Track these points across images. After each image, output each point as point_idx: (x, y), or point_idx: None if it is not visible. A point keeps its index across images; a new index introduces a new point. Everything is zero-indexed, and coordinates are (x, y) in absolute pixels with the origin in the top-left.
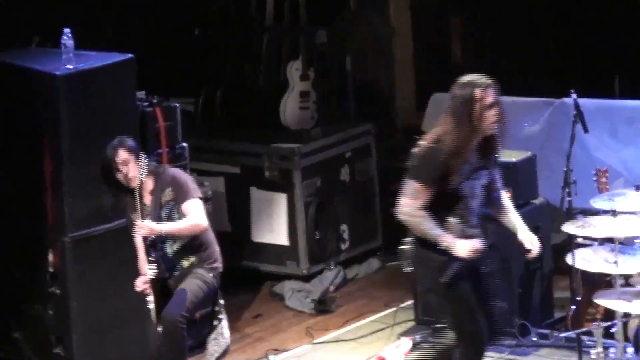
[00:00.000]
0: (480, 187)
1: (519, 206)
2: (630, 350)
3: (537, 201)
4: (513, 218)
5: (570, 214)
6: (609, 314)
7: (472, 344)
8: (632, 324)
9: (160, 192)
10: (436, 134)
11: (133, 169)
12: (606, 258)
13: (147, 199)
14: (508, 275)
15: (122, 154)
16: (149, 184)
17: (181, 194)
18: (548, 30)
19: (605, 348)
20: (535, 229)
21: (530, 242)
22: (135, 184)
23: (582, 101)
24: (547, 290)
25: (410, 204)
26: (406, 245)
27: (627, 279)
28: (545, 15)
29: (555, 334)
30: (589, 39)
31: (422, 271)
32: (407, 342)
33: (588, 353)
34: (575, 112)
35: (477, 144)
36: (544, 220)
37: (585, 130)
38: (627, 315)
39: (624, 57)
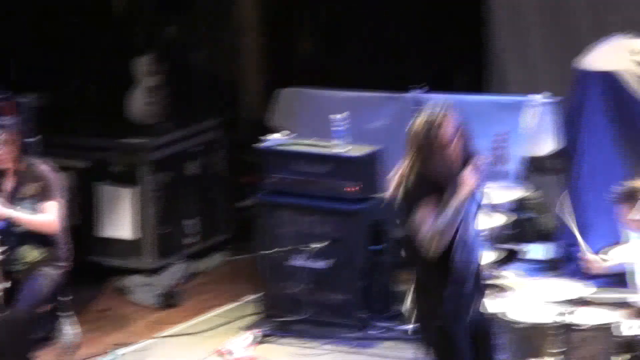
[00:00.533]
0: None
1: (363, 200)
2: None
3: (381, 195)
4: None
5: None
6: None
7: None
8: None
9: (25, 183)
10: None
11: (8, 150)
12: None
13: (8, 185)
14: (351, 268)
15: (4, 135)
16: (16, 171)
17: (46, 193)
18: (392, 26)
19: None
20: (377, 223)
21: None
22: (3, 165)
23: (426, 96)
24: (390, 283)
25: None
26: None
27: None
28: (389, 13)
29: (398, 327)
30: (424, 35)
31: None
32: (252, 336)
33: None
34: (418, 107)
35: None
36: (388, 214)
37: None
38: None
39: (465, 53)
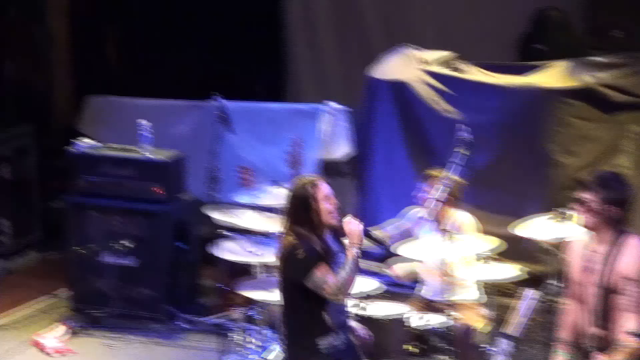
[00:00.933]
0: None
1: (168, 201)
2: (269, 333)
3: (184, 197)
4: None
5: (217, 208)
6: (251, 301)
7: None
8: (271, 310)
9: None
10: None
11: None
12: (248, 249)
13: None
14: (157, 265)
15: None
16: None
17: None
18: (196, 37)
19: (246, 331)
20: (182, 222)
21: None
22: None
23: (227, 104)
24: (194, 279)
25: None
26: None
27: (267, 268)
28: (194, 25)
29: (201, 319)
30: (233, 48)
31: None
32: (64, 328)
33: (231, 337)
34: (220, 114)
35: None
36: (191, 214)
37: (230, 130)
38: (266, 302)
39: (264, 64)
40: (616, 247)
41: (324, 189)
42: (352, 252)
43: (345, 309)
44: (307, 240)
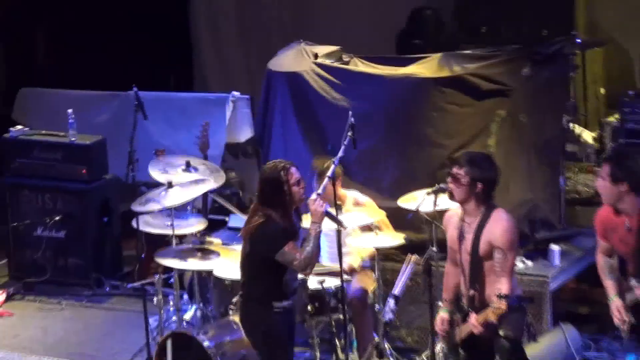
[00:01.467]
0: None
1: (92, 180)
2: (185, 297)
3: (107, 177)
4: None
5: (135, 187)
6: (168, 268)
7: None
8: (187, 276)
9: None
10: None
11: None
12: (164, 222)
13: None
14: (84, 238)
15: None
16: None
17: None
18: (115, 34)
19: (165, 295)
20: (106, 199)
21: None
22: None
23: (143, 94)
24: (118, 249)
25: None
26: None
27: (182, 239)
28: (113, 23)
29: (125, 285)
30: (147, 43)
31: None
32: (2, 294)
33: (151, 300)
34: (136, 102)
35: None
36: (114, 192)
37: (145, 117)
38: (182, 268)
39: (176, 58)
40: (484, 219)
41: (295, 174)
42: (316, 228)
43: (298, 277)
44: (277, 219)
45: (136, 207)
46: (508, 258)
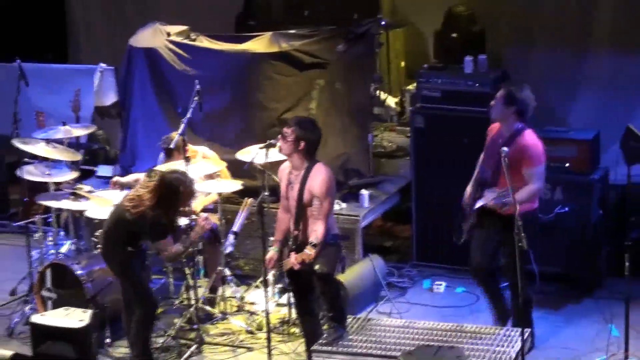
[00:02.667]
0: None
1: None
2: (62, 233)
3: None
4: None
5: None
6: (47, 209)
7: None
8: (63, 216)
9: None
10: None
11: None
12: (44, 171)
13: None
14: None
15: None
16: None
17: None
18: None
19: (45, 232)
20: None
21: None
22: None
23: (25, 65)
24: (5, 194)
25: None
26: None
27: (58, 185)
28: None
29: (11, 224)
30: (30, 21)
31: None
32: None
33: (33, 236)
34: (19, 72)
35: None
36: (1, 146)
37: (27, 84)
38: (59, 209)
39: (53, 32)
40: (307, 172)
41: (192, 189)
42: (195, 237)
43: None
44: (162, 217)
45: (16, 142)
46: (324, 205)
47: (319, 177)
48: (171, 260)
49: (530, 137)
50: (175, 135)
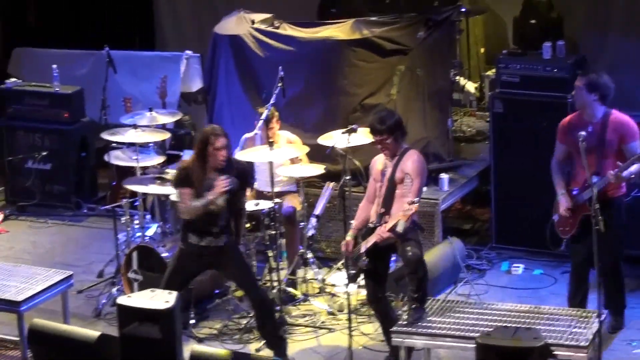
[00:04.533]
0: None
1: (73, 122)
2: (148, 217)
3: (85, 119)
4: None
5: (107, 127)
6: (134, 193)
7: None
8: (149, 200)
9: None
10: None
11: None
12: (131, 156)
13: None
14: (65, 168)
15: None
16: None
17: None
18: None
19: (131, 216)
20: (84, 138)
21: None
22: None
23: (113, 52)
24: (94, 178)
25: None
26: None
27: (145, 170)
28: None
29: (99, 207)
30: (116, 9)
31: None
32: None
33: (120, 219)
34: (108, 59)
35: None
36: (90, 132)
37: (115, 71)
38: (145, 193)
39: (139, 20)
40: (401, 156)
41: (220, 142)
42: (212, 196)
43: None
44: (190, 168)
45: (105, 135)
46: (415, 183)
47: (412, 158)
48: (186, 215)
49: (621, 115)
50: (264, 108)
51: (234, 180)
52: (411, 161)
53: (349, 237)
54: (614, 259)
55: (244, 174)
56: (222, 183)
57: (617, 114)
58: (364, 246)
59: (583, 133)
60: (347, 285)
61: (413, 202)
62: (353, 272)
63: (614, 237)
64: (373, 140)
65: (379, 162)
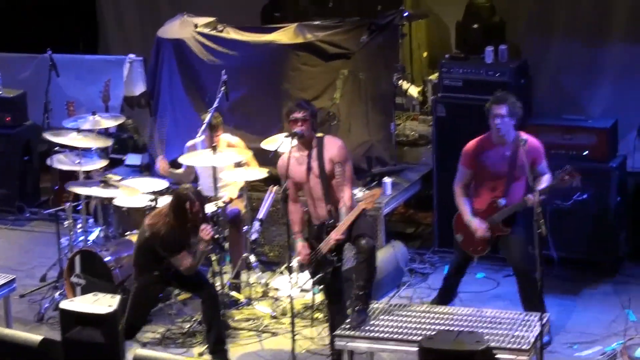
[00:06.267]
0: None
1: (16, 126)
2: (91, 221)
3: (28, 123)
4: None
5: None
6: (77, 197)
7: None
8: (92, 204)
9: None
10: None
11: None
12: (73, 160)
13: None
14: (9, 172)
15: None
16: None
17: None
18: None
19: (74, 220)
20: (28, 141)
21: None
22: None
23: (56, 56)
24: (37, 182)
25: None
26: None
27: (87, 174)
28: None
29: (42, 211)
30: (60, 13)
31: None
32: None
33: (63, 223)
34: (50, 63)
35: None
36: (33, 135)
37: (58, 75)
38: (88, 197)
39: (83, 24)
40: (320, 145)
41: (196, 207)
42: (203, 248)
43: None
44: (175, 233)
45: (47, 135)
46: (346, 169)
47: (335, 145)
48: (188, 273)
49: (532, 138)
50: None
51: (214, 227)
52: (337, 148)
53: (300, 244)
54: (529, 265)
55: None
56: (206, 232)
57: (528, 138)
58: (326, 246)
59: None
60: (316, 287)
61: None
62: (320, 274)
63: (527, 247)
64: (292, 118)
65: (293, 161)
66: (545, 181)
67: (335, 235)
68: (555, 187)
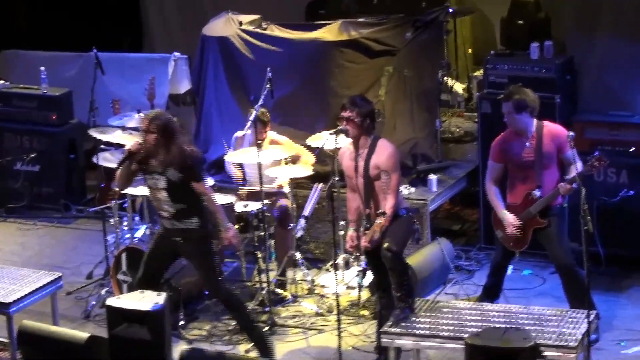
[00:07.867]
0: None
1: (61, 124)
2: (137, 218)
3: (73, 121)
4: None
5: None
6: (123, 195)
7: None
8: (138, 201)
9: None
10: None
11: None
12: (120, 158)
13: None
14: (54, 170)
15: None
16: None
17: None
18: (79, 4)
19: (120, 217)
20: (72, 140)
21: None
22: None
23: (102, 54)
24: (82, 180)
25: None
26: None
27: None
28: None
29: (87, 209)
30: (104, 12)
31: None
32: None
33: (109, 221)
34: (96, 61)
35: None
36: (79, 134)
37: (103, 73)
38: (134, 195)
39: (127, 22)
40: (372, 148)
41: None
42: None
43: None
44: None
45: (93, 132)
46: (392, 178)
47: (386, 152)
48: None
49: (554, 125)
50: (253, 110)
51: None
52: (386, 155)
53: (351, 231)
54: (570, 260)
55: (187, 167)
56: (232, 235)
57: (550, 126)
58: (360, 247)
59: (572, 133)
60: (361, 278)
61: (383, 214)
62: (364, 267)
63: (565, 242)
64: (340, 116)
65: (347, 155)
66: (575, 170)
67: (363, 242)
68: (585, 174)
